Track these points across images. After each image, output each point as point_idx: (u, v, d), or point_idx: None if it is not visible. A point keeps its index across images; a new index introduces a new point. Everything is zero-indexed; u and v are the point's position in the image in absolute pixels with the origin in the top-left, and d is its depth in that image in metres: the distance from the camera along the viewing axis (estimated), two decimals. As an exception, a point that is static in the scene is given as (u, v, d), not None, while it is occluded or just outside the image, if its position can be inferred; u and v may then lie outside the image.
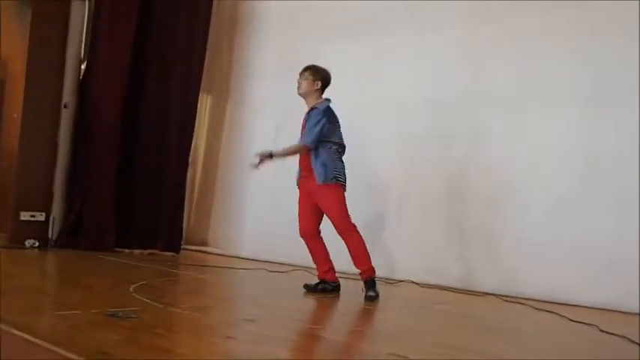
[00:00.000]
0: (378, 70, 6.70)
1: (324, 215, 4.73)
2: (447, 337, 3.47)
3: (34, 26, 6.28)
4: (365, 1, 6.79)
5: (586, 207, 5.42)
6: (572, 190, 5.48)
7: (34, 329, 2.54)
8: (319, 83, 4.80)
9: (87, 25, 6.79)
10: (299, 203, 4.85)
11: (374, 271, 4.65)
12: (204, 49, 7.52)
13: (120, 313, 3.04)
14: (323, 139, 4.64)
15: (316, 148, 4.65)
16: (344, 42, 6.89)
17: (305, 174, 4.76)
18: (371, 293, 4.54)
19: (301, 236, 4.82)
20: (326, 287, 4.72)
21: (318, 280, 4.77)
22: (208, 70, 7.88)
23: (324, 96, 4.88)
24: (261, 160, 4.60)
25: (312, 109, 4.78)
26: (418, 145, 6.37)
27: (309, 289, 4.73)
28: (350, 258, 4.70)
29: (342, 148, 4.78)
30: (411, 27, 6.51)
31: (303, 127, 4.82)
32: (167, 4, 7.17)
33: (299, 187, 4.87)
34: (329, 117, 4.71)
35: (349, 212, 4.70)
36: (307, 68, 4.87)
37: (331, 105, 4.83)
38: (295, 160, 4.89)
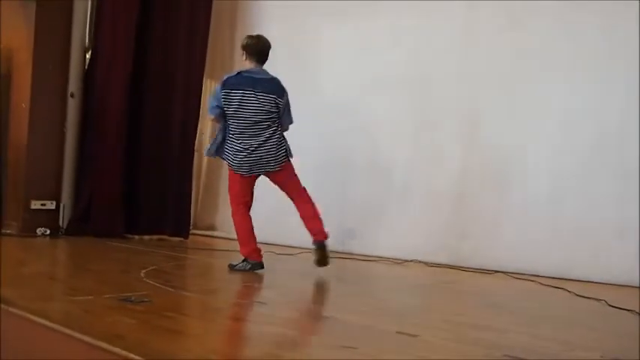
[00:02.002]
0: (381, 49, 6.69)
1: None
2: (455, 315, 3.52)
3: (38, 17, 6.31)
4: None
5: (590, 182, 5.44)
6: (575, 165, 5.51)
7: (50, 314, 2.59)
8: (244, 54, 4.65)
9: (90, 15, 6.82)
10: None
11: (250, 255, 4.57)
12: (207, 33, 7.52)
13: (132, 298, 3.09)
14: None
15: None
16: (347, 23, 6.88)
17: None
18: (237, 264, 4.54)
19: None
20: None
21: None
22: (211, 56, 7.88)
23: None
24: None
25: None
26: (420, 123, 6.39)
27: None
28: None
29: (237, 128, 4.50)
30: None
31: None
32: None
33: None
34: (223, 85, 4.53)
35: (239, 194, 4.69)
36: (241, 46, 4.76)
37: (243, 75, 4.56)
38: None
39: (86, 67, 6.81)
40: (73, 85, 6.62)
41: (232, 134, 4.49)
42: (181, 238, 7.09)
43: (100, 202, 6.54)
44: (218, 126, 4.72)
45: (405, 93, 6.50)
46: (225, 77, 4.58)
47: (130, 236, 6.75)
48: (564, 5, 5.56)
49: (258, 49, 4.63)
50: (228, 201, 4.75)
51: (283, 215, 6.76)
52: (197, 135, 7.61)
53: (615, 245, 5.21)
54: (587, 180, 5.45)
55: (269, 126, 4.51)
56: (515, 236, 5.70)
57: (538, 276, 5.24)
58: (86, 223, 6.47)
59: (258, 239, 6.95)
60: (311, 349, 2.47)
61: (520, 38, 5.84)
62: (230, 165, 4.58)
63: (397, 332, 2.77)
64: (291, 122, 4.70)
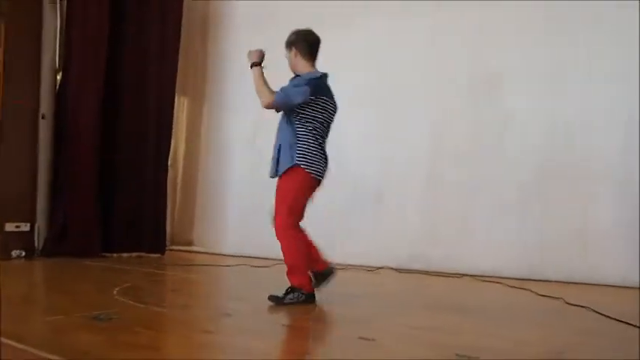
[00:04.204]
0: (347, 63, 6.81)
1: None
2: (415, 318, 3.65)
3: (7, 40, 6.34)
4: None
5: (554, 186, 5.63)
6: (539, 170, 5.69)
7: (20, 335, 2.67)
8: (299, 49, 4.06)
9: (60, 36, 6.88)
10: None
11: (305, 286, 3.90)
12: (177, 52, 7.63)
13: (102, 315, 3.18)
14: (301, 113, 3.92)
15: (290, 123, 3.96)
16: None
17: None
18: (284, 296, 3.86)
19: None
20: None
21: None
22: (183, 73, 8.00)
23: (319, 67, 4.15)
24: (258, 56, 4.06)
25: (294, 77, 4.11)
26: (388, 135, 6.56)
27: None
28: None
29: (320, 133, 4.02)
30: (381, 19, 6.69)
31: None
32: (138, 10, 7.27)
33: None
34: (314, 88, 3.93)
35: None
36: (285, 43, 4.15)
37: (322, 77, 4.08)
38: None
39: (57, 87, 6.86)
40: (45, 106, 6.66)
41: (315, 140, 3.97)
42: (159, 255, 7.16)
43: (76, 221, 6.57)
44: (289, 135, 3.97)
45: (375, 106, 6.66)
46: (310, 78, 3.99)
47: (108, 255, 6.79)
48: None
49: (317, 46, 4.13)
50: (280, 225, 3.94)
51: (260, 226, 6.89)
52: (170, 151, 7.70)
53: (577, 246, 5.41)
54: (550, 185, 5.64)
55: None
56: (484, 241, 5.87)
57: (506, 278, 5.40)
58: (62, 243, 6.50)
59: (238, 254, 7.10)
60: (267, 356, 2.58)
61: (486, 51, 6.05)
62: (314, 174, 3.95)
63: (358, 338, 2.89)
64: None
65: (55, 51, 6.86)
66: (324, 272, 4.11)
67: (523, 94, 5.83)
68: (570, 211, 5.49)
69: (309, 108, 3.92)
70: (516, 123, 5.87)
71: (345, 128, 6.64)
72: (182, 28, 7.74)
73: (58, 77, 6.91)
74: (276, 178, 4.05)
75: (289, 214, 3.93)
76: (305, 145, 3.93)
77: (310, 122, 3.94)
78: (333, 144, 6.58)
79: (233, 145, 7.87)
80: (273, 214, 4.02)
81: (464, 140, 6.15)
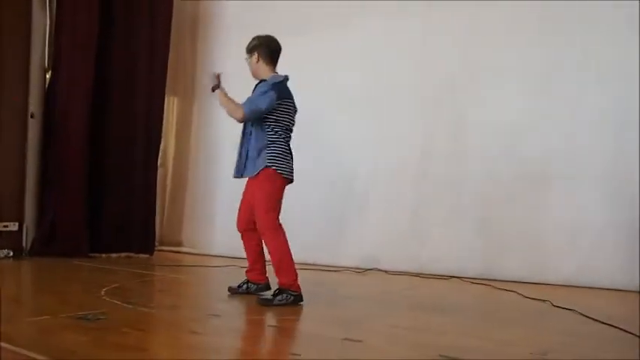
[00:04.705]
0: (343, 63, 6.85)
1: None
2: (403, 319, 3.68)
3: (-4, 38, 6.35)
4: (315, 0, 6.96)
5: (547, 187, 5.67)
6: (533, 170, 5.73)
7: (7, 335, 2.67)
8: (261, 54, 4.15)
9: (49, 35, 6.86)
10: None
11: (293, 285, 3.95)
12: (167, 51, 7.62)
13: (89, 316, 3.18)
14: (269, 116, 4.04)
15: (259, 126, 4.08)
16: (312, 39, 6.97)
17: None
18: (273, 298, 3.93)
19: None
20: (250, 287, 4.34)
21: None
22: (173, 73, 7.99)
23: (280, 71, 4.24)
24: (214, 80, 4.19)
25: (258, 83, 4.19)
26: (379, 137, 6.57)
27: (233, 291, 4.36)
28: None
29: (286, 135, 4.18)
30: (362, 26, 6.74)
31: None
32: (127, 10, 7.26)
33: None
34: (279, 92, 4.06)
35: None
36: (247, 49, 4.26)
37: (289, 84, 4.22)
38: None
39: (46, 87, 6.84)
40: (34, 105, 6.64)
41: (283, 142, 4.12)
42: (148, 255, 7.15)
43: (64, 221, 6.54)
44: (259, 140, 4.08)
45: (367, 107, 6.68)
46: (273, 83, 4.07)
47: (97, 255, 6.77)
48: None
49: (278, 52, 4.24)
50: (264, 225, 4.04)
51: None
52: (160, 151, 7.69)
53: (569, 248, 5.45)
54: (543, 185, 5.68)
55: None
56: (474, 243, 5.89)
57: (494, 280, 5.43)
58: (50, 243, 6.47)
59: (227, 255, 7.09)
60: (255, 357, 2.59)
61: (481, 51, 6.08)
62: (285, 174, 4.09)
63: (343, 339, 2.91)
64: None
65: (45, 50, 6.84)
66: (258, 286, 4.30)
67: (518, 94, 5.85)
68: (562, 212, 5.52)
69: (276, 112, 4.07)
70: (510, 123, 5.89)
71: (341, 128, 6.76)
72: (172, 29, 7.74)
73: (48, 76, 6.88)
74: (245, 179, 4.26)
75: (270, 213, 4.06)
76: (275, 147, 4.09)
77: (278, 125, 4.10)
78: (329, 144, 6.73)
79: (223, 145, 7.86)
80: (240, 217, 4.32)
81: (456, 140, 6.17)
